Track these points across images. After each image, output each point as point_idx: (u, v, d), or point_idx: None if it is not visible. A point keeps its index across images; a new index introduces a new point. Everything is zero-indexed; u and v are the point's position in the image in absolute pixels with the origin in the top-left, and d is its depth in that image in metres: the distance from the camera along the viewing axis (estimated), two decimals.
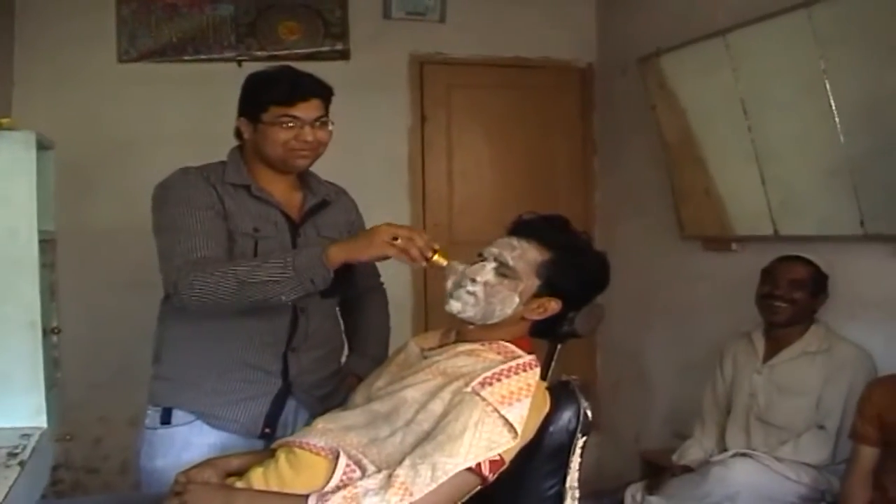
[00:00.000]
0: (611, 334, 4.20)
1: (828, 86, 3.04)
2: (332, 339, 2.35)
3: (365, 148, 4.07)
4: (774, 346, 3.20)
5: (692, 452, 3.30)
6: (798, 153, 3.28)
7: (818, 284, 3.15)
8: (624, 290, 4.06)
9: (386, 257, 1.92)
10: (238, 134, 2.23)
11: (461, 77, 4.50)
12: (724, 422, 3.29)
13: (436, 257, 1.90)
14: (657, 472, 3.39)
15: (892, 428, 2.60)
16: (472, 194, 4.55)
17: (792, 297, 3.12)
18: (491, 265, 1.89)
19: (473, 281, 1.88)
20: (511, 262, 1.88)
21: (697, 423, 3.40)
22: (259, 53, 4.15)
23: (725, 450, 3.18)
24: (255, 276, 1.93)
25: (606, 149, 4.61)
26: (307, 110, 2.13)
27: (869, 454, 2.67)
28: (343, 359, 2.43)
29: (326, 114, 2.18)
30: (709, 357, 3.51)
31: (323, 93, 2.18)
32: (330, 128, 2.19)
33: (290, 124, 2.12)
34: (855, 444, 2.71)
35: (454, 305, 1.89)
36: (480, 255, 1.93)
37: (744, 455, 3.04)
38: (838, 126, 3.04)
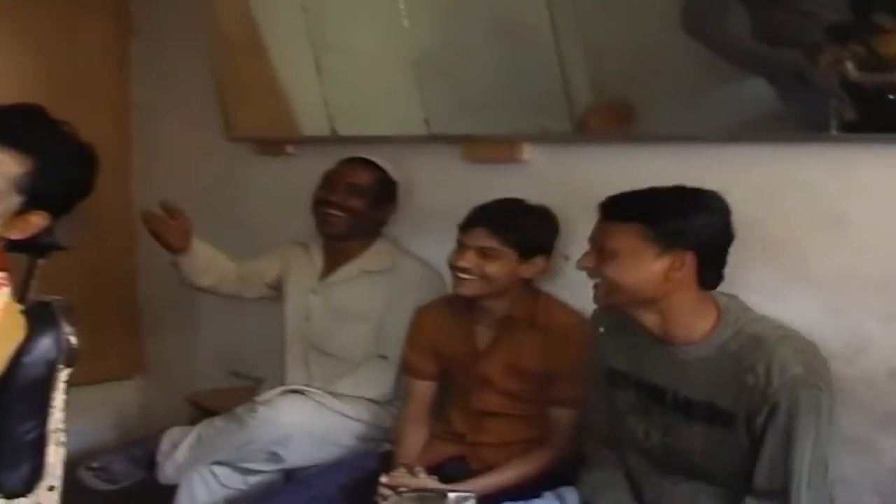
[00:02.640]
0: (152, 255, 3.70)
1: None
2: None
3: None
4: (332, 264, 2.95)
5: None
6: (356, 39, 3.04)
7: (383, 192, 2.92)
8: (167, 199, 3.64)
9: None
10: None
11: None
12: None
13: None
14: (210, 416, 2.99)
15: (449, 358, 2.50)
16: None
17: (349, 204, 2.86)
18: None
19: None
20: None
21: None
22: None
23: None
24: None
25: (147, 31, 4.08)
26: None
27: (423, 389, 2.57)
28: None
29: None
30: None
31: None
32: None
33: None
34: (406, 377, 2.62)
35: None
36: None
37: (294, 392, 2.77)
38: (402, 7, 2.79)
